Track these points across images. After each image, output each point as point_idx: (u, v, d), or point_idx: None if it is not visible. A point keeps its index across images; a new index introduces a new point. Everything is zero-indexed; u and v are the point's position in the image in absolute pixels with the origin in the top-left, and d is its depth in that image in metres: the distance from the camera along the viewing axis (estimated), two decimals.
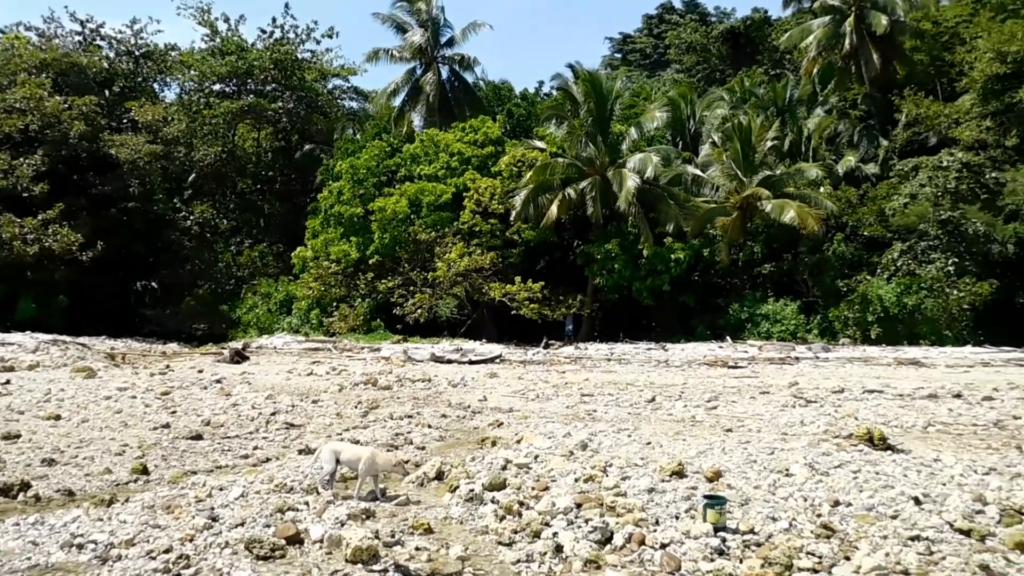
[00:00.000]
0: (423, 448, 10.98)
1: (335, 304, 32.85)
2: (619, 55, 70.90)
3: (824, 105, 37.52)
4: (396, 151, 35.57)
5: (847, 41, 36.51)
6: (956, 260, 27.34)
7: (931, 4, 37.96)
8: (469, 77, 40.80)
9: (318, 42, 46.49)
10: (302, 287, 33.98)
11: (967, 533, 6.51)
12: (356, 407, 14.30)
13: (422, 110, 40.23)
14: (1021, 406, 13.53)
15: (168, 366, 21.96)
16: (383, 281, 31.81)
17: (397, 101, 40.82)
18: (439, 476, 9.10)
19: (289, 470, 9.04)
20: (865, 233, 30.59)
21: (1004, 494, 7.32)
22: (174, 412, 13.18)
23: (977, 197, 28.47)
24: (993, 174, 29.09)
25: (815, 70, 38.60)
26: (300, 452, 10.41)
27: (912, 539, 6.43)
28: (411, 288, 31.35)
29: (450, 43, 40.21)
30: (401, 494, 8.25)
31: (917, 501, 7.20)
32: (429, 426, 12.46)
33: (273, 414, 13.21)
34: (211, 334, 34.85)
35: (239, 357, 24.33)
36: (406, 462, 9.21)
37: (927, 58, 37.80)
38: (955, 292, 26.20)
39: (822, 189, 30.57)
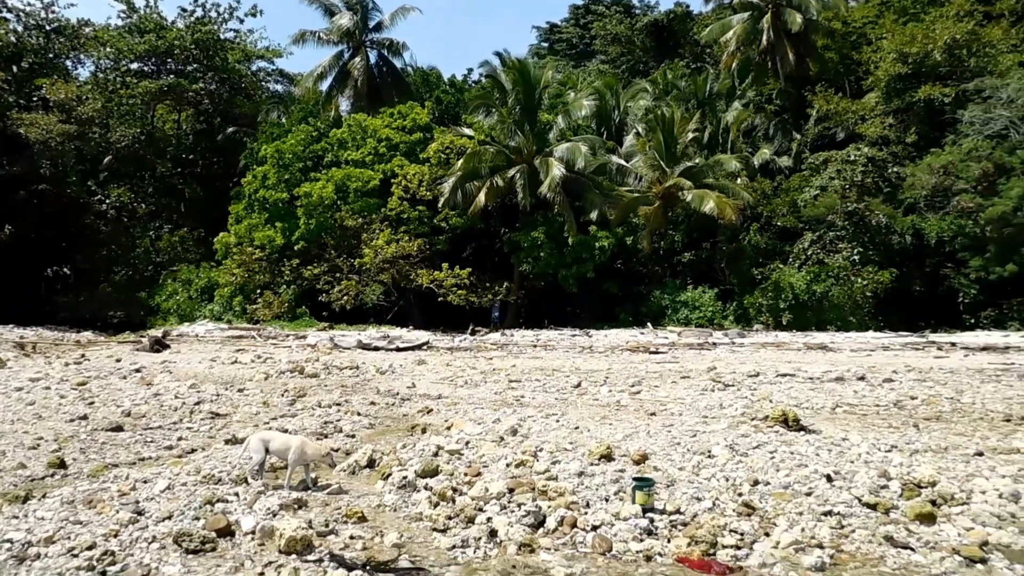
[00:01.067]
0: (353, 436, 10.93)
1: (259, 291, 32.08)
2: (546, 44, 71.21)
3: (742, 99, 38.79)
4: (323, 136, 34.86)
5: (764, 37, 37.75)
6: (861, 250, 28.85)
7: (841, 5, 39.60)
8: (398, 62, 40.28)
9: (241, 21, 45.08)
10: (225, 273, 33.01)
11: (874, 507, 6.99)
12: (283, 395, 14.08)
13: (350, 94, 39.48)
14: (917, 387, 14.51)
15: (83, 355, 20.99)
16: (309, 268, 31.24)
17: (324, 85, 39.94)
18: (371, 464, 9.10)
19: (216, 460, 8.88)
20: (778, 223, 31.84)
21: (905, 469, 7.88)
22: (92, 403, 12.67)
23: (880, 190, 30.07)
24: (895, 169, 30.77)
25: (734, 64, 39.75)
26: (227, 442, 10.22)
27: (825, 514, 6.86)
28: (337, 275, 30.89)
29: (379, 27, 39.58)
30: (333, 483, 8.23)
31: (829, 478, 7.67)
32: (358, 414, 12.40)
33: (197, 403, 12.87)
34: (129, 322, 33.47)
35: (159, 345, 23.50)
36: (336, 450, 9.16)
37: (837, 56, 39.51)
38: (859, 280, 27.64)
39: (739, 180, 31.63)
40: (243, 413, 12.39)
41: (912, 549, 6.26)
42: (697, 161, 31.23)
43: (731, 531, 6.52)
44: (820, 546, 6.29)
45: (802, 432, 9.98)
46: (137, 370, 17.09)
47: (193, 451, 9.86)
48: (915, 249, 29.39)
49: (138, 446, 10.07)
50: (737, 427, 10.34)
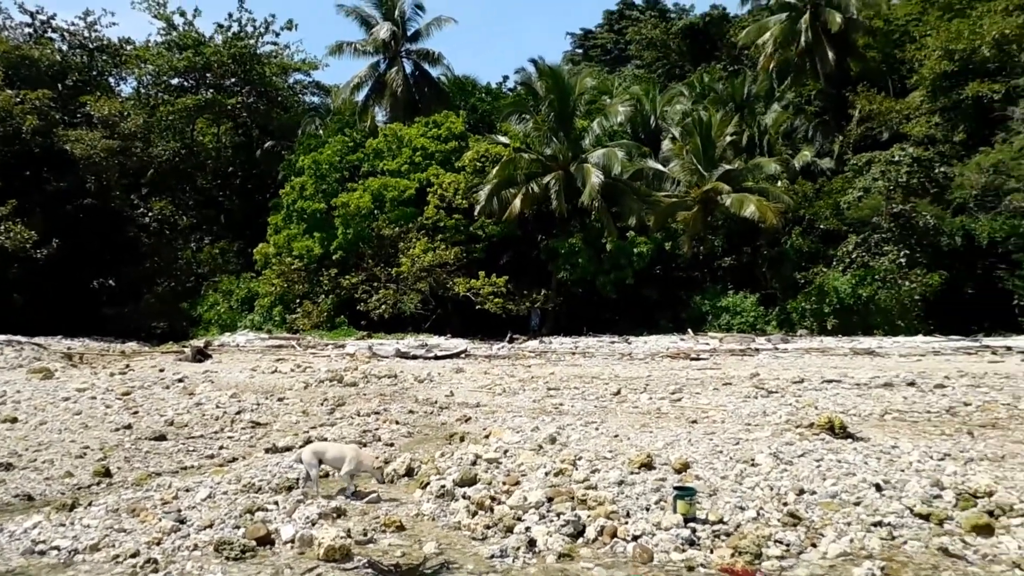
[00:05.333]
0: (391, 445, 10.96)
1: (298, 301, 32.44)
2: (580, 50, 71.02)
3: (781, 101, 38.15)
4: (359, 146, 35.22)
5: (803, 38, 37.12)
6: (907, 252, 28.09)
7: (882, 3, 38.76)
8: (434, 72, 40.54)
9: (277, 35, 45.61)
10: (264, 284, 33.49)
11: (926, 517, 6.75)
12: (322, 404, 14.18)
13: (386, 105, 39.85)
14: (971, 393, 14.02)
15: (128, 365, 21.42)
16: (347, 277, 31.52)
17: (360, 96, 40.37)
18: (409, 473, 9.11)
19: (257, 469, 8.96)
20: (821, 226, 31.24)
21: (959, 479, 7.59)
22: (136, 412, 12.91)
23: (927, 191, 29.27)
24: (942, 169, 29.92)
25: (772, 66, 39.13)
26: (267, 451, 10.33)
27: (875, 524, 6.65)
28: (375, 284, 31.12)
29: (415, 37, 39.91)
30: (372, 491, 8.24)
31: (878, 487, 7.43)
32: (397, 422, 12.42)
33: (238, 413, 13.04)
34: (171, 332, 34.13)
35: (201, 355, 23.88)
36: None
37: (879, 55, 38.66)
38: (907, 283, 26.91)
39: (780, 183, 31.09)
40: (283, 422, 12.51)
41: (968, 562, 6.03)
42: (736, 165, 30.78)
43: (776, 541, 6.38)
44: (870, 557, 6.13)
45: (849, 440, 9.70)
46: (180, 380, 17.37)
47: (234, 460, 9.98)
48: (966, 251, 28.51)
49: (180, 455, 10.23)
50: (781, 435, 10.08)
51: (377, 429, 11.85)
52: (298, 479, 8.40)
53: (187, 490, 7.98)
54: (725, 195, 28.65)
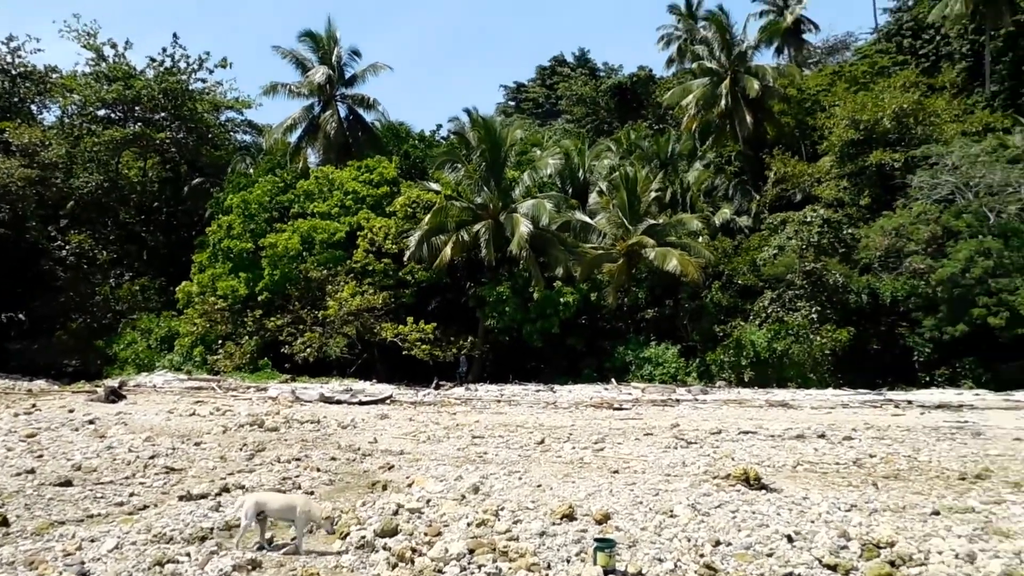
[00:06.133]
0: (312, 493, 10.72)
1: (220, 341, 31.50)
2: (513, 103, 72.80)
3: (703, 160, 39.91)
4: (290, 187, 34.89)
5: (723, 102, 39.07)
6: (819, 308, 29.46)
7: (796, 73, 41.54)
8: (368, 117, 40.61)
9: (211, 71, 45.11)
10: (186, 323, 32.41)
11: (834, 568, 7.05)
12: (241, 450, 13.78)
13: (319, 147, 39.65)
14: (876, 445, 14.74)
15: (35, 405, 20.37)
16: (272, 319, 30.85)
17: (293, 137, 40.03)
18: None
19: (169, 518, 8.65)
20: (739, 281, 32.46)
21: (864, 529, 7.98)
22: (40, 456, 12.27)
23: (836, 251, 30.92)
24: (849, 230, 31.74)
25: (695, 127, 40.99)
26: (181, 498, 9.96)
27: None
28: (301, 327, 30.55)
29: (351, 82, 40.05)
30: (289, 542, 8.04)
31: (790, 539, 7.73)
32: (318, 470, 12.18)
33: (152, 457, 12.54)
34: (84, 371, 32.54)
35: (115, 396, 22.90)
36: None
37: (793, 121, 41.06)
38: (818, 338, 28.16)
39: (701, 239, 32.25)
40: (199, 468, 12.09)
41: None
42: (660, 220, 31.82)
43: None
44: None
45: (763, 491, 10.05)
46: (90, 422, 16.61)
47: (145, 508, 9.58)
48: (871, 308, 30.11)
49: (87, 502, 9.76)
50: (699, 485, 10.37)
51: (298, 476, 11.59)
52: (213, 528, 8.15)
53: (92, 540, 7.64)
54: (649, 249, 29.51)
